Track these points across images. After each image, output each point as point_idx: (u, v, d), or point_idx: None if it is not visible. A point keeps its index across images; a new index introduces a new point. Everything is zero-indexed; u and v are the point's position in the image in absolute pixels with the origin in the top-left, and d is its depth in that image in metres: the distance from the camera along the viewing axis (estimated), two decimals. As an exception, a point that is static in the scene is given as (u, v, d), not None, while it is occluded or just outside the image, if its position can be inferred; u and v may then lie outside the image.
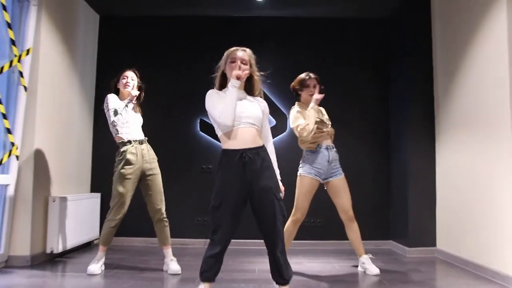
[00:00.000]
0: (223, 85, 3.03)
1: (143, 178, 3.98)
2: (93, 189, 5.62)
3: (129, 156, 3.88)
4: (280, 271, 2.85)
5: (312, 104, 3.92)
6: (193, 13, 5.80)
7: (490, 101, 3.94)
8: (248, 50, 3.04)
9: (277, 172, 2.99)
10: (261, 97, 3.10)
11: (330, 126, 4.13)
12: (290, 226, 3.95)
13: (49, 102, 4.51)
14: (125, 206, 3.89)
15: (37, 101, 4.26)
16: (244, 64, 2.95)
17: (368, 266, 3.99)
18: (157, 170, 4.04)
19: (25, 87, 4.15)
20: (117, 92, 4.10)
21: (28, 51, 4.16)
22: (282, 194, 2.92)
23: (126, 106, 3.94)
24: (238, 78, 2.87)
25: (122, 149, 3.93)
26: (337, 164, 4.04)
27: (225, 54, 3.03)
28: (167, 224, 4.03)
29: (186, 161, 5.68)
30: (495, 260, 3.79)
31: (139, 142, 3.99)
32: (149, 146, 4.07)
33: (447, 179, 4.79)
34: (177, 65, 5.80)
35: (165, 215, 4.02)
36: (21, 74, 4.11)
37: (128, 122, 3.98)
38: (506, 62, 3.66)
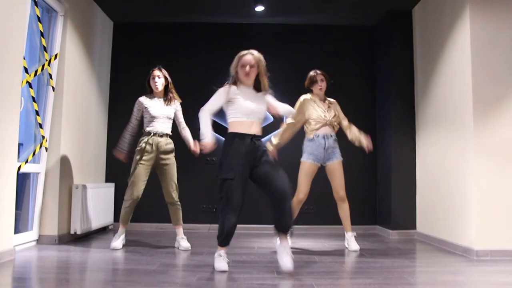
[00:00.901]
0: (235, 84, 3.60)
1: (158, 166, 4.54)
2: (107, 179, 6.21)
3: (144, 145, 4.45)
4: (284, 220, 3.42)
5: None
6: (198, 20, 6.41)
7: (457, 101, 4.57)
8: (255, 53, 3.57)
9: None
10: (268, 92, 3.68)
11: (332, 117, 4.61)
12: (294, 205, 4.54)
13: (72, 101, 5.09)
14: (137, 189, 4.42)
15: (63, 99, 4.84)
16: (252, 67, 3.51)
17: (350, 242, 4.58)
18: (171, 161, 4.56)
19: (53, 87, 4.75)
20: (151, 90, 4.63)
21: (56, 56, 4.76)
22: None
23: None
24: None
25: (141, 138, 4.52)
26: (335, 150, 4.59)
27: (236, 57, 3.58)
28: (179, 207, 4.61)
29: (192, 153, 6.24)
30: (460, 237, 4.42)
31: (159, 135, 4.51)
32: (169, 140, 4.58)
33: (425, 169, 5.41)
34: (183, 66, 6.38)
35: (176, 199, 4.59)
36: (50, 76, 4.70)
37: (154, 117, 4.50)
38: (469, 69, 4.31)
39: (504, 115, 4.23)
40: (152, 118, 4.51)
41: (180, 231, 4.62)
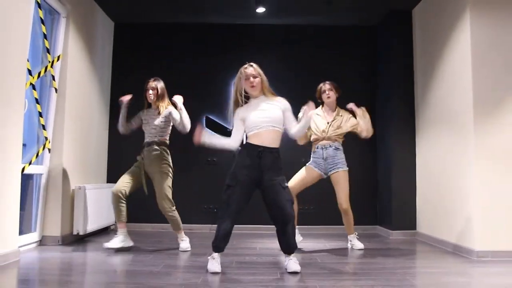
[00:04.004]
0: (246, 97, 3.65)
1: (150, 176, 4.54)
2: (108, 180, 6.23)
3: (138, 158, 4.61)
4: (289, 243, 3.55)
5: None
6: (199, 21, 6.42)
7: (457, 103, 4.60)
8: (254, 65, 3.64)
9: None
10: (274, 95, 3.70)
11: (334, 131, 4.63)
12: None
13: (75, 102, 5.11)
14: (119, 183, 4.44)
15: (65, 101, 4.86)
16: (255, 77, 3.57)
17: (354, 242, 4.70)
18: (157, 169, 4.47)
19: (55, 89, 4.77)
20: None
21: (58, 57, 4.77)
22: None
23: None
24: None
25: None
26: (335, 159, 4.58)
27: (237, 75, 3.63)
28: (173, 217, 4.50)
29: (193, 154, 6.26)
30: (460, 238, 4.46)
31: (146, 144, 4.54)
32: (154, 147, 4.49)
33: (425, 170, 5.45)
34: (184, 67, 6.40)
35: (168, 209, 4.45)
36: (53, 77, 4.72)
37: (144, 130, 4.63)
38: (469, 71, 4.34)
39: (504, 117, 4.27)
40: (144, 131, 4.64)
41: (180, 235, 4.63)
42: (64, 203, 4.84)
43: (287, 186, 3.58)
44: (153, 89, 4.56)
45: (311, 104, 3.55)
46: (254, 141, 3.52)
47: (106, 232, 5.79)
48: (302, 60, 6.41)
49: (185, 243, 4.57)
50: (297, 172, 4.69)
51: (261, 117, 3.52)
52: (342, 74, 6.40)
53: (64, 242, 4.77)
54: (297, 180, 4.64)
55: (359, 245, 4.67)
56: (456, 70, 4.65)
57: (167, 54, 6.47)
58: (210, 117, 6.33)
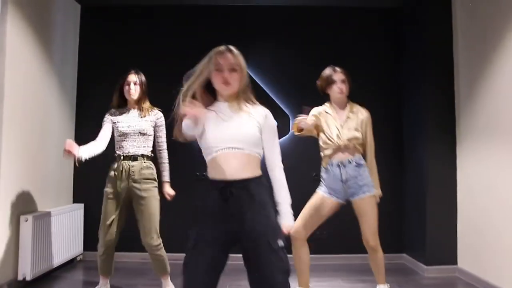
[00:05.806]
0: (209, 99, 2.28)
1: (134, 199, 3.55)
2: (75, 199, 5.11)
3: (112, 173, 3.53)
4: None
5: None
6: (184, 2, 5.30)
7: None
8: (236, 50, 2.25)
9: (287, 212, 2.22)
10: (253, 103, 2.30)
11: (350, 135, 3.42)
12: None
13: (20, 105, 3.97)
14: (110, 231, 3.49)
15: (3, 104, 3.70)
16: (233, 70, 2.20)
17: None
18: (149, 193, 3.54)
19: (-11, 90, 3.61)
20: (124, 99, 3.64)
21: (-9, 47, 3.61)
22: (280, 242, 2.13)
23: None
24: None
25: (110, 165, 3.59)
26: (358, 181, 3.39)
27: (207, 57, 2.25)
28: (160, 257, 3.58)
29: (178, 168, 5.10)
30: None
31: (131, 158, 3.52)
32: (146, 163, 3.57)
33: (469, 191, 4.32)
34: (167, 58, 5.23)
35: (157, 246, 3.54)
36: (-17, 75, 3.56)
37: (123, 134, 3.55)
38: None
39: None
40: (121, 136, 3.56)
41: (167, 281, 3.67)
42: (5, 239, 3.72)
43: (282, 246, 2.13)
44: (135, 83, 3.58)
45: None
46: (213, 173, 2.18)
47: (69, 267, 4.65)
48: (310, 49, 5.23)
49: None
50: (304, 196, 3.49)
51: (221, 133, 2.17)
52: (359, 68, 5.19)
53: (4, 292, 3.65)
54: (308, 216, 3.43)
55: None
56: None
57: (147, 42, 5.29)
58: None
